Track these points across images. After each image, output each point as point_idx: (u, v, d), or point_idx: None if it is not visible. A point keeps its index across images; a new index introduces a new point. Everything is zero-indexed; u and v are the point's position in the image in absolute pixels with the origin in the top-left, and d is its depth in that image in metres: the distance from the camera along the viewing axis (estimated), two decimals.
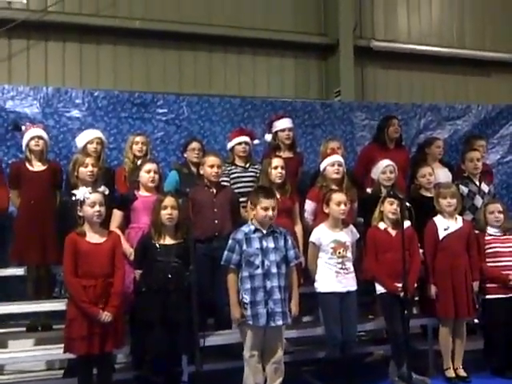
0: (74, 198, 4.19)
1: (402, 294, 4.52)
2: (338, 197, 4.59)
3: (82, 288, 3.99)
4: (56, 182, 5.18)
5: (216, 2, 8.48)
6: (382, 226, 4.81)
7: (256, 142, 5.67)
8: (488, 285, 4.97)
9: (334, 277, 4.52)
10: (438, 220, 4.96)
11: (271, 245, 4.18)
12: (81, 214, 4.13)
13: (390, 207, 4.73)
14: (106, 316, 3.97)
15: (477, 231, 5.12)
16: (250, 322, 4.10)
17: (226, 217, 4.80)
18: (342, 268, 4.53)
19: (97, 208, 4.10)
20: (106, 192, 4.50)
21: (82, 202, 4.11)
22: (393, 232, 4.74)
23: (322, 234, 4.60)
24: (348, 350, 4.54)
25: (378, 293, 4.78)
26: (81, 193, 4.14)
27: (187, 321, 3.94)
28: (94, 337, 3.97)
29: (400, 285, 4.53)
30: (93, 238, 4.13)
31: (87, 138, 5.26)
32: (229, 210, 4.85)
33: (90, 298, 3.98)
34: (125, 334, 4.24)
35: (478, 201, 5.48)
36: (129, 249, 4.50)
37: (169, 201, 4.26)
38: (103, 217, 4.18)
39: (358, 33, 9.16)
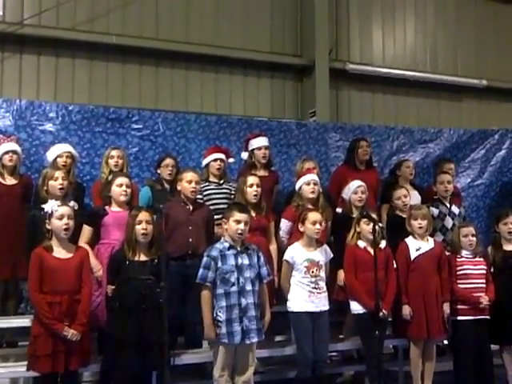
0: (43, 212, 4.12)
1: (381, 313, 4.57)
2: (314, 216, 4.60)
3: (48, 304, 3.90)
4: (28, 196, 5.11)
5: (194, 20, 8.55)
6: (361, 244, 4.82)
7: (231, 160, 5.67)
8: (459, 306, 5.00)
9: (306, 296, 4.51)
10: (410, 241, 5.01)
11: (246, 261, 4.16)
12: (49, 227, 4.05)
13: (367, 227, 4.72)
14: (72, 334, 3.89)
15: (449, 253, 5.18)
16: (226, 341, 4.05)
17: (200, 235, 4.75)
18: (314, 287, 4.52)
19: (65, 221, 4.02)
20: (76, 207, 4.44)
21: (51, 215, 4.04)
22: (372, 251, 4.74)
23: (296, 253, 4.60)
24: (319, 370, 4.52)
25: (354, 312, 4.79)
26: (49, 206, 4.07)
27: (158, 339, 3.88)
28: (58, 354, 3.88)
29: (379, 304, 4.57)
30: (60, 253, 4.03)
31: (57, 152, 5.22)
32: (204, 228, 4.80)
33: (56, 314, 3.89)
34: (91, 351, 4.16)
35: (449, 222, 5.56)
36: (97, 265, 4.42)
37: (143, 215, 4.20)
38: (71, 230, 4.09)
39: (333, 55, 9.31)
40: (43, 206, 4.23)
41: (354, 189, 5.25)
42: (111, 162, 5.28)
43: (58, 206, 4.06)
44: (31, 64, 7.68)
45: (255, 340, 4.11)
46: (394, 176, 6.21)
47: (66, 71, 7.84)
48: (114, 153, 5.33)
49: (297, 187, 5.23)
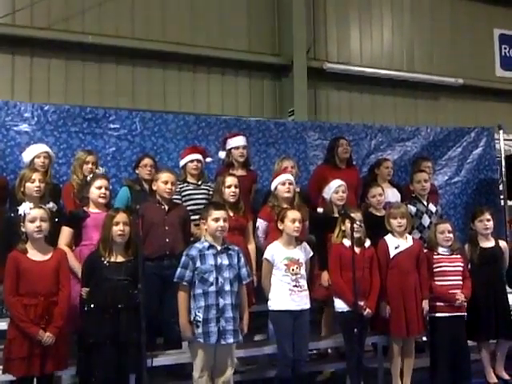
0: (18, 214, 4.08)
1: (365, 312, 4.65)
2: (293, 214, 4.60)
3: (23, 307, 3.87)
4: (3, 197, 5.03)
5: (171, 19, 8.50)
6: (346, 243, 4.81)
7: (209, 159, 5.65)
8: (436, 303, 5.02)
9: (287, 295, 4.50)
10: (389, 239, 5.03)
11: (225, 262, 4.15)
12: (24, 229, 4.02)
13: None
14: (47, 337, 3.86)
15: (426, 250, 5.21)
16: (201, 341, 4.03)
17: (177, 235, 4.73)
18: (295, 286, 4.52)
19: (37, 223, 3.99)
20: (55, 209, 4.38)
21: (24, 218, 4.00)
22: (357, 250, 4.73)
23: (276, 251, 4.59)
24: (299, 369, 4.52)
25: (339, 310, 4.80)
26: (22, 208, 4.04)
27: (135, 340, 3.85)
28: (34, 357, 3.86)
29: (362, 303, 4.63)
30: (35, 255, 4.01)
31: (34, 152, 5.15)
32: (180, 228, 4.78)
33: (32, 317, 3.87)
34: (69, 354, 4.12)
35: (426, 220, 5.60)
36: (78, 266, 4.37)
37: (121, 217, 4.18)
38: (45, 233, 4.05)
39: (311, 54, 9.35)
40: (18, 207, 4.19)
41: (335, 188, 5.26)
42: (86, 167, 5.20)
43: (31, 208, 4.03)
44: (5, 64, 7.58)
45: (231, 341, 4.08)
46: (372, 174, 6.25)
47: (41, 71, 7.74)
48: (90, 159, 5.26)
49: (272, 187, 5.23)
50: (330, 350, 5.51)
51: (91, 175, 5.03)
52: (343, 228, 4.86)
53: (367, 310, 4.71)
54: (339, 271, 4.78)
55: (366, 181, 6.14)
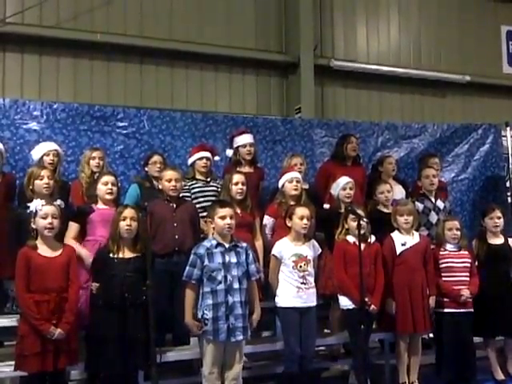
0: (28, 211, 4.12)
1: (371, 308, 4.66)
2: (302, 211, 4.61)
3: (35, 303, 3.90)
4: (11, 194, 5.06)
5: (178, 17, 8.54)
6: (350, 239, 4.83)
7: (217, 158, 5.68)
8: (443, 299, 5.04)
9: (294, 292, 4.52)
10: (395, 236, 5.04)
11: (233, 259, 4.16)
12: (34, 226, 4.06)
13: (354, 223, 4.71)
14: (58, 334, 3.89)
15: (433, 246, 5.22)
16: (211, 337, 4.06)
17: (186, 232, 4.77)
18: (302, 283, 4.53)
19: (49, 220, 4.03)
20: (62, 206, 4.41)
21: (35, 214, 4.04)
22: (361, 246, 4.76)
23: (284, 248, 4.61)
24: (306, 365, 4.54)
25: (344, 308, 4.81)
26: (34, 205, 4.07)
27: (144, 336, 3.89)
28: (46, 354, 3.88)
29: (367, 299, 4.63)
30: (46, 251, 4.04)
31: (43, 150, 5.19)
32: (189, 224, 4.82)
33: (43, 313, 3.90)
34: (79, 349, 4.15)
35: (433, 217, 5.60)
36: (85, 253, 4.42)
37: (128, 212, 4.22)
38: (56, 230, 4.09)
39: (318, 52, 9.36)
40: (29, 204, 4.23)
41: (343, 185, 5.28)
42: (93, 162, 5.25)
43: (43, 205, 4.06)
44: (15, 62, 7.64)
45: (240, 338, 4.10)
46: (376, 172, 6.26)
47: (50, 69, 7.81)
48: (95, 154, 5.30)
49: (279, 184, 5.26)
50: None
51: (98, 172, 5.09)
52: (346, 226, 4.88)
53: (372, 306, 4.73)
54: (344, 268, 4.79)
55: (371, 178, 6.16)
